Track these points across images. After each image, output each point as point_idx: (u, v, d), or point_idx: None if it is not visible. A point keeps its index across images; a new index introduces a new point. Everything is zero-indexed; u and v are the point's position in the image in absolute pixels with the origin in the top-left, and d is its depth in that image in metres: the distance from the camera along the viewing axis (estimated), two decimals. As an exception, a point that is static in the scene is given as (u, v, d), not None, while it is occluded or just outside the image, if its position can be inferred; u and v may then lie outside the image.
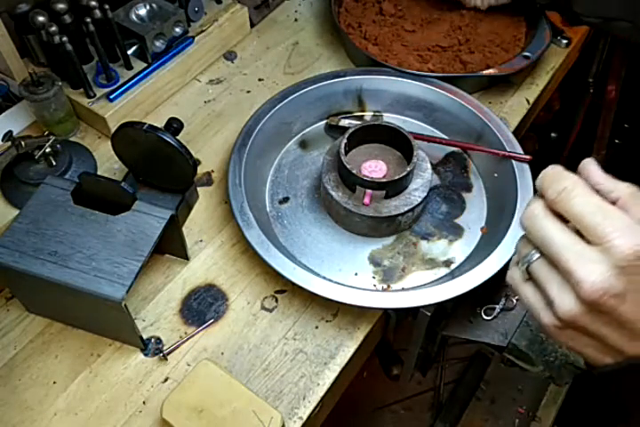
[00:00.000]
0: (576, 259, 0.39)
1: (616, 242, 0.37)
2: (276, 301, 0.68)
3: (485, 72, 0.80)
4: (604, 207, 0.39)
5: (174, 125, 0.69)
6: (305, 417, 0.61)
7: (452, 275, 0.69)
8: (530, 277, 0.43)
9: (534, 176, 0.71)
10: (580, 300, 0.39)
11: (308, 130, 0.81)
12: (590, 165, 0.42)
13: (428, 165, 0.71)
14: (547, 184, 0.42)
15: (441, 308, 0.65)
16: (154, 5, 0.80)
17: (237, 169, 0.71)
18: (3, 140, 0.67)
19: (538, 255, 0.42)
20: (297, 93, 0.78)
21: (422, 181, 0.70)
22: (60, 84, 0.72)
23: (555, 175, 0.42)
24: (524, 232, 0.43)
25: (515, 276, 0.45)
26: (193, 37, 0.83)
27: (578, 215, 0.39)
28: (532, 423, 1.35)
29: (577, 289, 0.39)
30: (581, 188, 0.40)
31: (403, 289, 0.69)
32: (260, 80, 0.87)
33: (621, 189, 0.41)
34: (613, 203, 0.40)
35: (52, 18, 0.72)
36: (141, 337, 0.63)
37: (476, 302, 0.69)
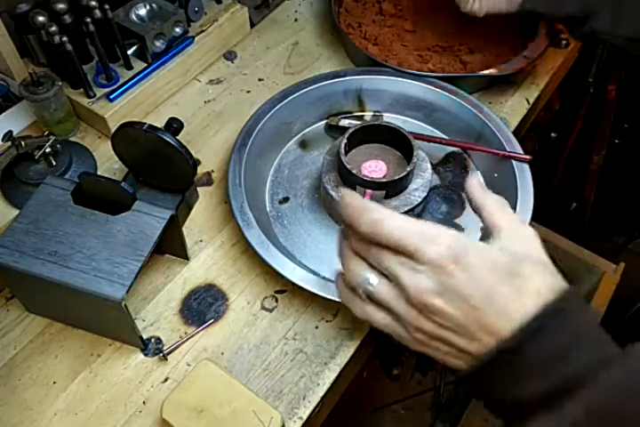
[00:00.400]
0: (404, 273, 0.44)
1: (425, 255, 0.43)
2: (276, 301, 0.68)
3: (485, 72, 0.80)
4: (412, 228, 0.45)
5: (174, 125, 0.69)
6: (305, 417, 0.61)
7: (452, 275, 0.69)
8: (370, 299, 0.47)
9: (534, 176, 0.71)
10: (411, 305, 0.45)
11: (308, 130, 0.81)
12: (473, 180, 0.49)
13: (428, 165, 0.71)
14: (351, 217, 0.46)
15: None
16: (154, 5, 0.80)
17: (237, 169, 0.71)
18: (3, 141, 0.67)
19: (377, 280, 0.47)
20: (297, 93, 0.78)
21: (422, 181, 0.70)
22: (59, 84, 0.72)
23: (358, 209, 0.46)
24: (352, 261, 0.48)
25: (348, 297, 0.49)
26: (193, 37, 0.83)
27: (393, 240, 0.44)
28: (532, 423, 1.35)
29: (406, 296, 0.45)
30: (385, 215, 0.45)
31: (403, 289, 0.69)
32: (259, 80, 0.87)
33: (489, 202, 0.48)
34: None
35: (52, 18, 0.72)
36: (141, 337, 0.63)
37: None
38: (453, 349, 0.46)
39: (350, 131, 0.69)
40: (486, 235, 0.48)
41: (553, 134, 1.39)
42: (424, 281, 0.44)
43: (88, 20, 0.71)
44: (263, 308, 0.68)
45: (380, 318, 0.48)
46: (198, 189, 0.75)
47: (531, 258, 0.46)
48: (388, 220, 0.46)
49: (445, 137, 0.80)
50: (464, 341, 0.45)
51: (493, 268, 0.44)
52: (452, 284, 0.44)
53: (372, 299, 0.48)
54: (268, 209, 0.75)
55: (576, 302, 0.44)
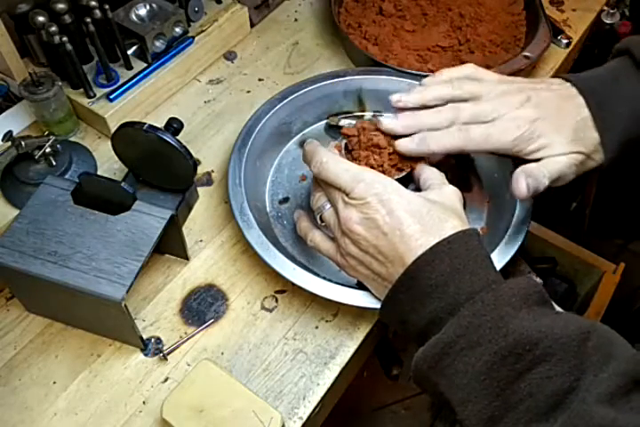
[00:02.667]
0: (340, 205, 0.57)
1: (354, 192, 0.55)
2: (276, 301, 0.68)
3: (485, 72, 0.80)
4: (349, 170, 0.57)
5: (174, 125, 0.69)
6: (305, 417, 0.61)
7: (452, 275, 0.69)
8: (322, 222, 0.61)
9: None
10: (342, 231, 0.57)
11: (308, 130, 0.81)
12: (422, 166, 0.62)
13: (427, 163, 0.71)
14: (307, 160, 0.60)
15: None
16: (154, 5, 0.80)
17: (237, 169, 0.71)
18: (3, 141, 0.67)
19: (329, 206, 0.59)
20: (297, 93, 0.78)
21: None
22: (59, 84, 0.72)
23: (310, 151, 0.60)
24: (317, 191, 0.61)
25: (303, 227, 0.64)
26: (193, 37, 0.83)
27: (332, 180, 0.57)
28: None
29: (339, 223, 0.57)
30: (330, 158, 0.58)
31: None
32: (260, 80, 0.87)
33: (426, 169, 0.62)
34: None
35: (52, 18, 0.72)
36: (141, 337, 0.63)
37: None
38: (374, 274, 0.56)
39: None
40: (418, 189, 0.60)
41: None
42: (352, 212, 0.56)
43: (88, 20, 0.71)
44: (263, 308, 0.68)
45: (324, 245, 0.61)
46: (198, 189, 0.75)
47: (443, 205, 0.56)
48: (329, 162, 0.57)
49: (445, 137, 0.80)
50: (381, 266, 0.55)
51: (408, 209, 0.54)
52: (372, 215, 0.54)
53: (323, 222, 0.61)
54: (268, 209, 0.75)
55: (466, 240, 0.52)
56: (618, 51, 0.64)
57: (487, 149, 0.60)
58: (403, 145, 0.60)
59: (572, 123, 0.60)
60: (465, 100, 0.61)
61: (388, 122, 0.61)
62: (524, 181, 0.59)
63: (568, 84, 0.62)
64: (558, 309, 0.52)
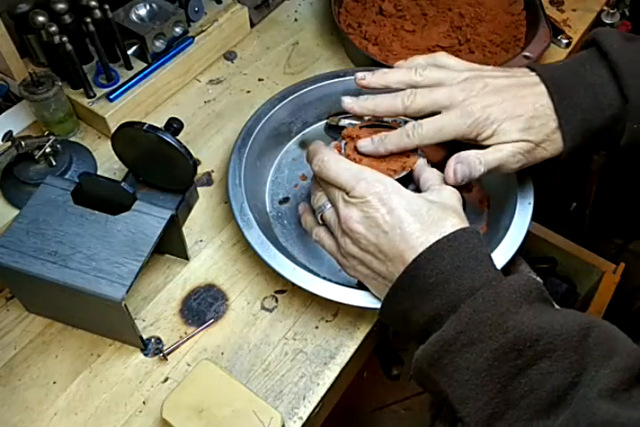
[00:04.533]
0: (340, 204, 0.57)
1: (355, 190, 0.56)
2: (276, 301, 0.68)
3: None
4: (350, 169, 0.57)
5: (174, 125, 0.69)
6: (305, 417, 0.61)
7: (452, 275, 0.69)
8: (322, 222, 0.61)
9: (534, 176, 0.71)
10: (342, 231, 0.57)
11: (307, 130, 0.81)
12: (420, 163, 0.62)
13: (428, 165, 0.71)
14: (309, 158, 0.60)
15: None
16: (154, 5, 0.80)
17: (237, 169, 0.71)
18: (3, 141, 0.67)
19: (329, 206, 0.59)
20: (297, 93, 0.78)
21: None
22: (59, 84, 0.72)
23: (313, 150, 0.60)
24: (318, 191, 0.61)
25: (308, 222, 0.64)
26: (193, 37, 0.83)
27: (332, 178, 0.57)
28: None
29: (339, 222, 0.57)
30: (330, 157, 0.58)
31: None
32: (259, 80, 0.87)
33: (427, 171, 0.61)
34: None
35: (52, 18, 0.72)
36: (141, 337, 0.63)
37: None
38: (374, 273, 0.57)
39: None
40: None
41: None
42: (352, 211, 0.56)
43: (88, 20, 0.71)
44: (263, 308, 0.68)
45: (327, 242, 0.61)
46: (198, 189, 0.75)
47: (443, 204, 0.56)
48: (330, 161, 0.58)
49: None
50: (381, 264, 0.55)
51: (408, 208, 0.54)
52: (372, 214, 0.55)
53: (323, 222, 0.61)
54: (268, 209, 0.75)
55: (466, 238, 0.53)
56: (586, 42, 0.63)
57: (445, 139, 0.60)
58: (362, 145, 0.62)
59: (529, 110, 0.59)
60: (427, 87, 0.62)
61: (349, 101, 0.63)
62: (451, 167, 0.59)
63: (533, 73, 0.62)
64: (558, 308, 0.52)
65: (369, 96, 0.63)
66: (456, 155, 0.60)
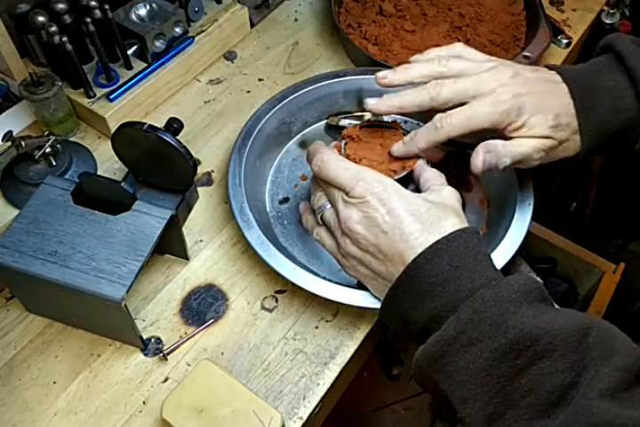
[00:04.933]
0: (340, 204, 0.57)
1: (354, 191, 0.55)
2: (276, 301, 0.68)
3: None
4: (350, 169, 0.57)
5: (174, 125, 0.69)
6: (305, 417, 0.61)
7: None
8: (322, 222, 0.61)
9: (534, 176, 0.71)
10: (342, 231, 0.57)
11: (307, 130, 0.81)
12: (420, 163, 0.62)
13: (428, 165, 0.71)
14: (309, 158, 0.60)
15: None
16: (154, 5, 0.80)
17: (237, 169, 0.71)
18: (3, 141, 0.67)
19: (329, 206, 0.59)
20: (297, 93, 0.78)
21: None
22: (59, 84, 0.72)
23: (313, 150, 0.60)
24: (318, 191, 0.61)
25: (309, 221, 0.64)
26: (193, 37, 0.83)
27: (332, 178, 0.57)
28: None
29: (339, 222, 0.57)
30: (330, 157, 0.58)
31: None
32: (259, 80, 0.87)
33: (428, 171, 0.61)
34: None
35: (51, 18, 0.72)
36: (141, 337, 0.63)
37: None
38: (374, 273, 0.56)
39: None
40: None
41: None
42: (352, 211, 0.56)
43: (88, 20, 0.71)
44: (263, 308, 0.68)
45: (328, 242, 0.61)
46: (198, 189, 0.75)
47: (443, 205, 0.56)
48: (330, 161, 0.58)
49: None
50: (380, 264, 0.55)
51: (408, 208, 0.54)
52: (372, 214, 0.55)
53: (323, 222, 0.60)
54: (268, 209, 0.75)
55: (466, 238, 0.52)
56: (601, 48, 0.64)
57: (476, 129, 0.59)
58: (395, 149, 0.61)
59: (557, 106, 0.59)
60: (452, 77, 0.61)
61: (373, 102, 0.62)
62: (481, 156, 0.58)
63: (553, 71, 0.62)
64: (558, 308, 0.52)
65: (392, 94, 0.62)
66: (485, 143, 0.59)
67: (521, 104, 0.58)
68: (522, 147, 0.59)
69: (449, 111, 0.59)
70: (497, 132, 0.60)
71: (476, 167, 0.58)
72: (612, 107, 0.59)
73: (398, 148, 0.61)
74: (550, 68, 0.63)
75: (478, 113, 0.58)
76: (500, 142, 0.59)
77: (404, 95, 0.61)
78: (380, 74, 0.63)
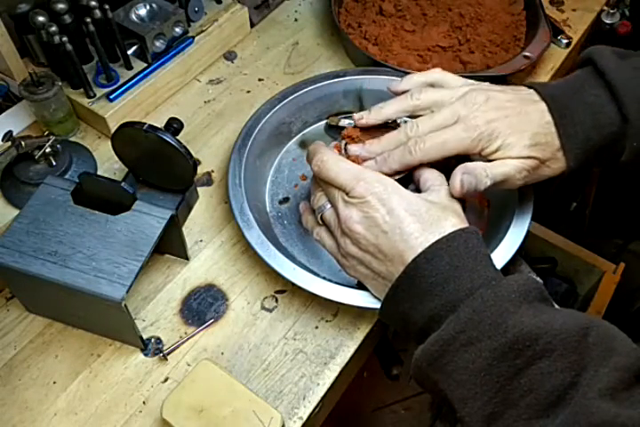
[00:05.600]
0: (340, 204, 0.57)
1: (354, 191, 0.56)
2: (276, 301, 0.68)
3: (485, 72, 0.80)
4: (350, 169, 0.57)
5: (174, 125, 0.69)
6: (305, 417, 0.61)
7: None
8: (322, 222, 0.61)
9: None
10: (342, 231, 0.57)
11: (307, 130, 0.81)
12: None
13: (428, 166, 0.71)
14: (309, 159, 0.60)
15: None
16: (154, 5, 0.80)
17: (237, 169, 0.71)
18: (3, 141, 0.67)
19: (329, 206, 0.59)
20: (297, 93, 0.78)
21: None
22: (59, 84, 0.72)
23: (313, 151, 0.60)
24: (318, 191, 0.61)
25: (309, 221, 0.64)
26: (193, 37, 0.83)
27: (332, 178, 0.57)
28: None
29: (340, 224, 0.57)
30: (330, 157, 0.58)
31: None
32: (259, 80, 0.87)
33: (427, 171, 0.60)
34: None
35: (52, 18, 0.72)
36: (141, 337, 0.63)
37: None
38: (374, 273, 0.57)
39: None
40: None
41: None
42: (352, 211, 0.56)
43: (88, 20, 0.71)
44: (263, 308, 0.68)
45: (328, 242, 0.61)
46: (198, 189, 0.75)
47: (442, 205, 0.56)
48: (330, 161, 0.58)
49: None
50: (380, 264, 0.55)
51: (408, 208, 0.54)
52: (372, 214, 0.55)
53: (323, 222, 0.60)
54: (268, 209, 0.75)
55: (465, 238, 0.53)
56: (581, 60, 0.63)
57: (449, 154, 0.59)
58: (367, 165, 0.61)
59: (534, 126, 0.59)
60: (427, 108, 0.62)
61: (355, 149, 0.62)
62: (458, 178, 0.58)
63: (531, 90, 0.62)
64: (558, 308, 0.52)
65: (374, 141, 0.62)
66: (463, 165, 0.59)
67: (492, 129, 0.58)
68: (503, 167, 0.59)
69: (423, 136, 0.59)
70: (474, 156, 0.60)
71: (455, 189, 0.58)
72: (593, 123, 0.59)
73: (370, 164, 0.61)
74: (529, 86, 0.63)
75: (451, 139, 0.59)
76: (480, 164, 0.59)
77: (382, 141, 0.62)
78: (356, 115, 0.64)
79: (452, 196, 0.58)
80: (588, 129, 0.59)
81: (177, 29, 0.81)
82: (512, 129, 0.58)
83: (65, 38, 0.70)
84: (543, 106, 0.60)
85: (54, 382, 0.63)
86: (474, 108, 0.59)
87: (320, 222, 0.62)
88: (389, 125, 0.66)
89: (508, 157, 0.59)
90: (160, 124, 0.66)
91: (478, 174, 0.58)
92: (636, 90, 0.58)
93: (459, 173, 0.58)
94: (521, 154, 0.59)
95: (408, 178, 0.62)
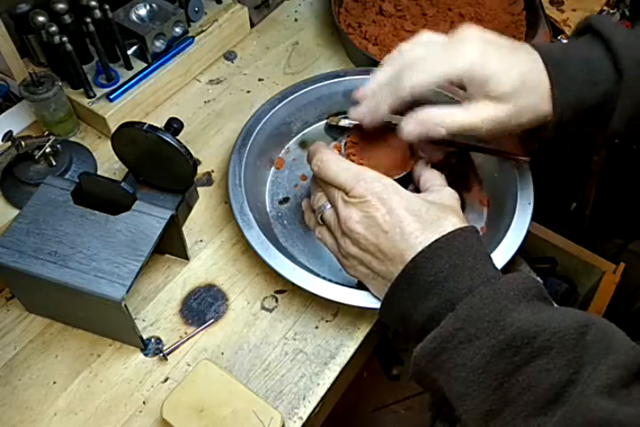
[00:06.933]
0: (340, 204, 0.57)
1: (354, 190, 0.55)
2: (276, 301, 0.68)
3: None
4: (350, 169, 0.57)
5: (174, 125, 0.69)
6: (305, 417, 0.61)
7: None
8: (323, 223, 0.61)
9: (534, 176, 0.71)
10: (342, 231, 0.57)
11: (308, 130, 0.81)
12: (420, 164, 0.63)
13: (428, 166, 0.71)
14: (309, 159, 0.60)
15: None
16: (154, 5, 0.80)
17: (237, 169, 0.71)
18: (3, 141, 0.67)
19: (329, 206, 0.59)
20: (297, 93, 0.78)
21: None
22: (59, 84, 0.72)
23: (313, 151, 0.60)
24: (318, 191, 0.61)
25: (311, 219, 0.63)
26: (193, 37, 0.83)
27: (332, 178, 0.57)
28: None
29: (340, 224, 0.57)
30: (330, 157, 0.58)
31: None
32: (260, 80, 0.87)
33: (427, 171, 0.62)
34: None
35: (52, 18, 0.72)
36: (141, 337, 0.63)
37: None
38: (374, 273, 0.57)
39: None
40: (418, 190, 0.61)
41: (553, 134, 1.39)
42: (352, 211, 0.56)
43: (88, 20, 0.71)
44: (263, 308, 0.68)
45: (329, 241, 0.61)
46: (198, 189, 0.75)
47: (442, 204, 0.56)
48: (330, 161, 0.58)
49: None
50: (380, 264, 0.55)
51: (408, 208, 0.54)
52: (372, 214, 0.55)
53: (324, 222, 0.60)
54: (268, 209, 0.75)
55: (465, 237, 0.53)
56: (578, 28, 0.62)
57: (440, 79, 0.57)
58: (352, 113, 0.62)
59: (525, 67, 0.57)
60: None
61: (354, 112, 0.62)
62: (410, 127, 0.59)
63: (526, 44, 0.60)
64: (556, 306, 0.52)
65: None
66: (420, 112, 0.58)
67: (485, 60, 0.56)
68: (468, 116, 0.58)
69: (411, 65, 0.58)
70: (466, 95, 0.59)
71: (401, 135, 0.58)
72: (587, 78, 0.57)
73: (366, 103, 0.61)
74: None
75: (441, 64, 0.57)
76: (437, 112, 0.58)
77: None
78: (352, 113, 0.63)
79: (453, 195, 0.58)
80: (582, 84, 0.57)
81: (177, 29, 0.81)
82: (504, 63, 0.57)
83: (65, 38, 0.70)
84: (537, 56, 0.58)
85: (54, 382, 0.63)
86: (468, 41, 0.58)
87: (320, 222, 0.62)
88: (390, 125, 0.66)
89: (493, 96, 0.57)
90: (160, 124, 0.66)
91: (431, 127, 0.58)
92: (632, 48, 0.57)
93: (412, 121, 0.59)
94: (504, 90, 0.56)
95: (408, 178, 0.62)
